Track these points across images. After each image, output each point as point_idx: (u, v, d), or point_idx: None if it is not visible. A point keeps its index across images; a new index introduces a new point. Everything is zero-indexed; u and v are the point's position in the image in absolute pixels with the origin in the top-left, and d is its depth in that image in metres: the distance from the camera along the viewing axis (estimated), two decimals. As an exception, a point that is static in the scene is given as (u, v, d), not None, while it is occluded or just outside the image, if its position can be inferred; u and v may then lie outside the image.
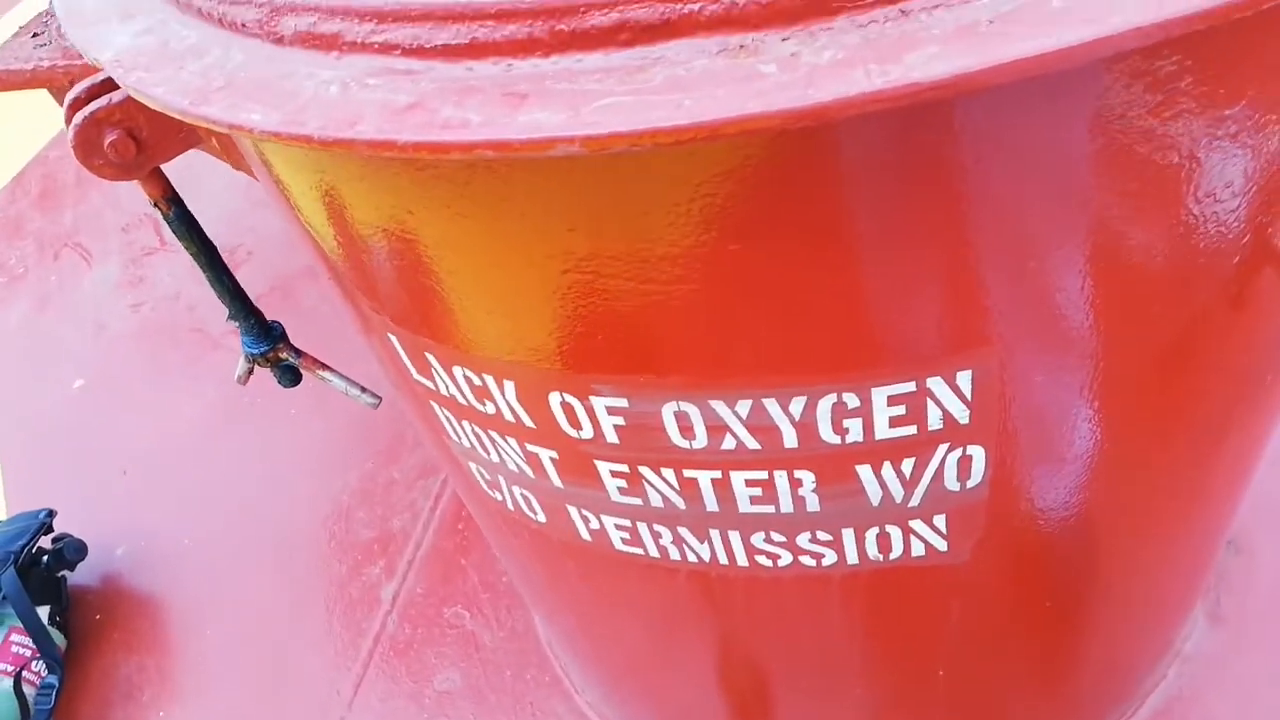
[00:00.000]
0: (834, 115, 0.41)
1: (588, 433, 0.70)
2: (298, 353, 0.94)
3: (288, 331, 0.94)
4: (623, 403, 0.66)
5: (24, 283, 2.40)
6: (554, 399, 0.68)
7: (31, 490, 1.91)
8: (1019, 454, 0.69)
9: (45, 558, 1.65)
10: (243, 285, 0.89)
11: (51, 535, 1.69)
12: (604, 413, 0.68)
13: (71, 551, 1.67)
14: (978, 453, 0.67)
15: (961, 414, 0.64)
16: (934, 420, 0.64)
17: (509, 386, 0.70)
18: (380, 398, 0.97)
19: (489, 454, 0.80)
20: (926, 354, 0.60)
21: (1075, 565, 0.88)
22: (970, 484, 0.70)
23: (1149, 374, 0.69)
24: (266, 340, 0.92)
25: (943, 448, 0.66)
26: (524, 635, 1.47)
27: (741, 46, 0.44)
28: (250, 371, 0.96)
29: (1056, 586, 0.89)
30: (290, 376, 0.96)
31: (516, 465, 0.79)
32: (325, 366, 0.95)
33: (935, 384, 0.62)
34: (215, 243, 0.86)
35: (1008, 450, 0.68)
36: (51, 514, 1.66)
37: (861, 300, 0.57)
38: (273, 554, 1.69)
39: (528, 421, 0.72)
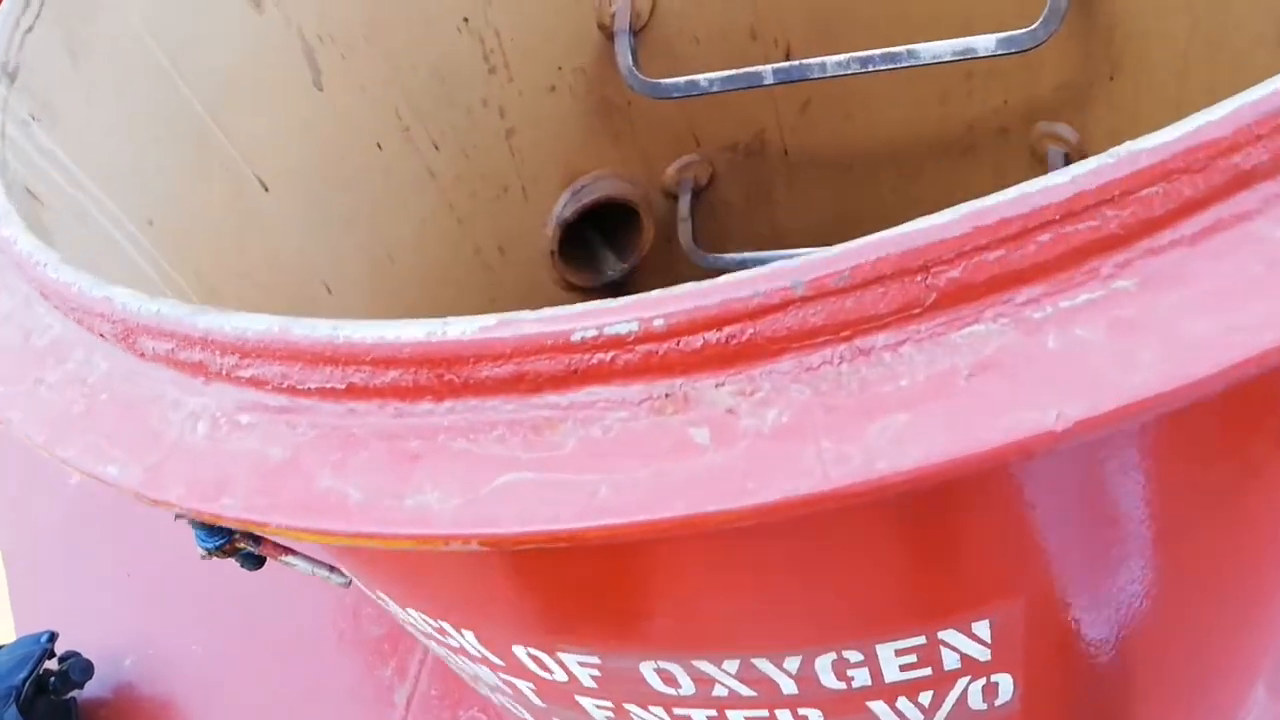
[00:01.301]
0: (779, 516, 0.32)
1: (561, 677, 0.62)
2: (257, 540, 0.86)
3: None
4: (594, 659, 0.59)
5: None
6: (519, 650, 0.61)
7: (36, 597, 1.86)
8: (1051, 673, 0.61)
9: (52, 680, 1.60)
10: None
11: (57, 657, 1.64)
12: (576, 665, 0.60)
13: (78, 672, 1.62)
14: (1004, 679, 0.59)
15: (981, 654, 0.56)
16: (950, 662, 0.56)
17: (468, 634, 0.62)
18: (351, 578, 0.89)
19: (465, 668, 0.73)
20: (938, 613, 0.52)
21: (1125, 715, 0.80)
22: (999, 702, 0.62)
23: (1196, 572, 0.61)
24: (221, 533, 0.85)
25: (963, 680, 0.58)
26: (546, 736, 1.41)
27: (668, 395, 0.36)
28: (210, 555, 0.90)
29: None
30: (253, 562, 0.88)
31: (493, 683, 0.72)
32: (288, 550, 0.87)
33: (948, 635, 0.54)
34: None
35: (1038, 672, 0.60)
36: (53, 637, 1.61)
37: (861, 584, 0.48)
38: (282, 656, 1.63)
39: (495, 660, 0.65)
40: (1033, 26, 1.09)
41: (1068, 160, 1.29)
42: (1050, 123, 1.29)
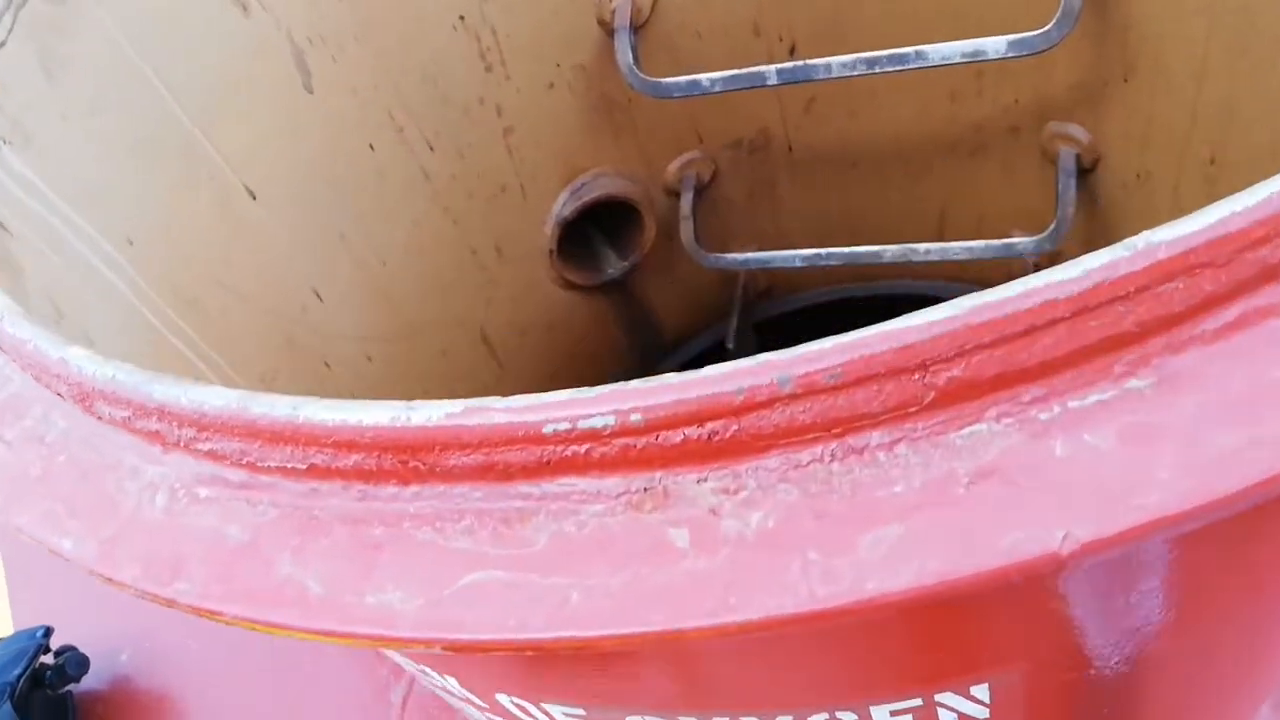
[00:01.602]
0: (759, 634, 0.30)
1: (548, 724, 0.61)
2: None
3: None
4: (580, 712, 0.57)
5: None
6: (502, 698, 0.59)
7: (32, 591, 1.86)
8: (1052, 724, 0.59)
9: (48, 674, 1.59)
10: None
11: (52, 651, 1.63)
12: (561, 715, 0.58)
13: (73, 667, 1.61)
14: (1003, 735, 0.57)
15: (979, 713, 0.54)
16: (947, 721, 0.54)
17: (451, 680, 0.60)
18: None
19: (451, 702, 0.71)
20: (936, 679, 0.50)
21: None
22: (997, 755, 0.60)
23: (1206, 603, 0.59)
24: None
25: (961, 737, 0.56)
26: (542, 739, 1.40)
27: (646, 489, 0.33)
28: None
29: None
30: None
31: (481, 717, 0.70)
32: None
33: (946, 698, 0.52)
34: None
35: (1039, 725, 0.58)
36: (49, 631, 1.60)
37: (856, 662, 0.46)
38: (279, 652, 1.62)
39: (479, 703, 0.63)
40: (1046, 28, 1.06)
41: (1079, 161, 1.26)
42: (1062, 123, 1.26)
